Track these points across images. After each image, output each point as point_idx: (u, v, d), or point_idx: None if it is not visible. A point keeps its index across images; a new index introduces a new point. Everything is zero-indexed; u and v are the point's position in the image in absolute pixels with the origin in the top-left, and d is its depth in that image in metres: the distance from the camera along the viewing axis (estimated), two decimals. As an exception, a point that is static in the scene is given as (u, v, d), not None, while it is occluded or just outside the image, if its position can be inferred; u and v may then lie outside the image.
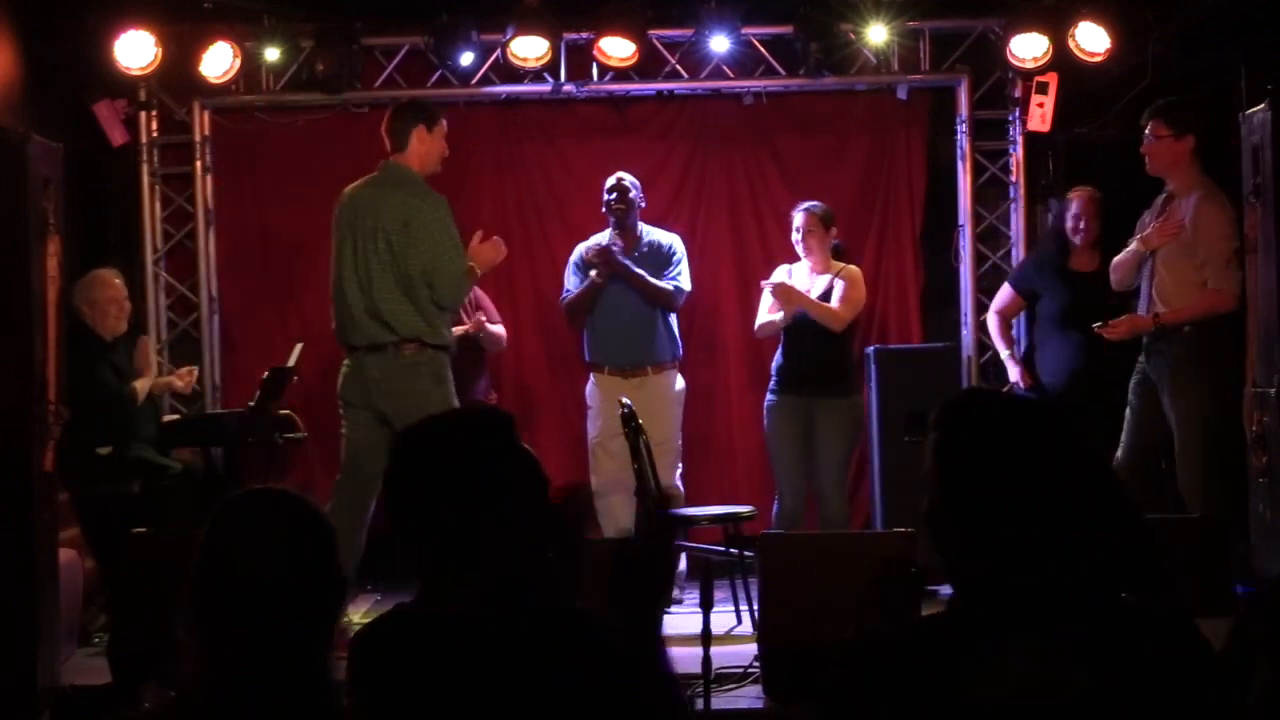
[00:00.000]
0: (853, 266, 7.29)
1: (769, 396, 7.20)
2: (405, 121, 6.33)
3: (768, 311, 7.24)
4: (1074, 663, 2.07)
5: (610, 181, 7.46)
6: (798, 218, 7.19)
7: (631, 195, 7.41)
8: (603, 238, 7.48)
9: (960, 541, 2.12)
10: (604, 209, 7.46)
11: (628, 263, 7.30)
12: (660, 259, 7.42)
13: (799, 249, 7.20)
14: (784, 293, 7.06)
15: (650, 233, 7.53)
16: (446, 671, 2.33)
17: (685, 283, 7.46)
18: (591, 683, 2.32)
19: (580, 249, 7.53)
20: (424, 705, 2.34)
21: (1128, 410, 6.54)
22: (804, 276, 7.20)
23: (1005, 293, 7.48)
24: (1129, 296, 6.78)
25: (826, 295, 7.13)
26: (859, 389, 7.39)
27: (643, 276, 7.30)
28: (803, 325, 7.10)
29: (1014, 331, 7.56)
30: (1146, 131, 6.48)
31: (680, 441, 7.45)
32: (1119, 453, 6.53)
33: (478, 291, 7.48)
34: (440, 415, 2.51)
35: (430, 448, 2.42)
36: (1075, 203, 7.21)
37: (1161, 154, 6.42)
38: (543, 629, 2.36)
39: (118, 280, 7.24)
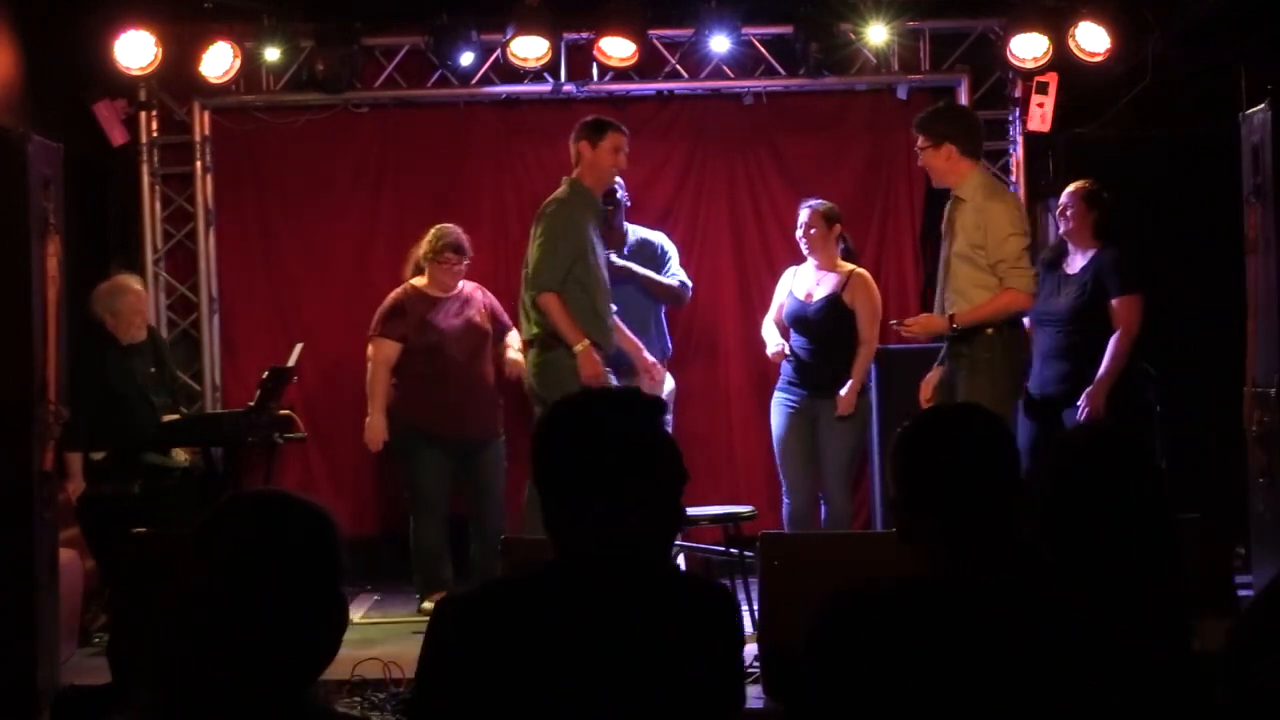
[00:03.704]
0: (862, 271, 7.27)
1: (776, 394, 7.19)
2: (574, 139, 6.78)
3: (772, 329, 7.23)
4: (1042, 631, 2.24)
5: None
6: (802, 214, 7.19)
7: (619, 196, 7.41)
8: None
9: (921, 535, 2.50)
10: None
11: (632, 266, 7.30)
12: (648, 256, 7.42)
13: (803, 246, 7.20)
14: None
15: (637, 231, 7.53)
16: (534, 630, 2.37)
17: (687, 278, 7.49)
18: (713, 652, 2.39)
19: None
20: (528, 658, 2.36)
21: None
22: (809, 276, 7.20)
23: None
24: (1094, 298, 6.78)
25: (834, 295, 7.13)
26: (864, 390, 7.38)
27: (650, 276, 7.31)
28: (809, 325, 7.10)
29: None
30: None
31: None
32: None
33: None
34: (596, 390, 2.65)
35: (580, 415, 2.51)
36: (1063, 195, 7.17)
37: (930, 165, 6.39)
38: (673, 592, 2.43)
39: (139, 287, 7.28)
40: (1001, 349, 6.20)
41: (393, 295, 7.28)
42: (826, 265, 7.19)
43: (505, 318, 7.43)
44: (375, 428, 7.22)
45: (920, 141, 6.36)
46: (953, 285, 6.29)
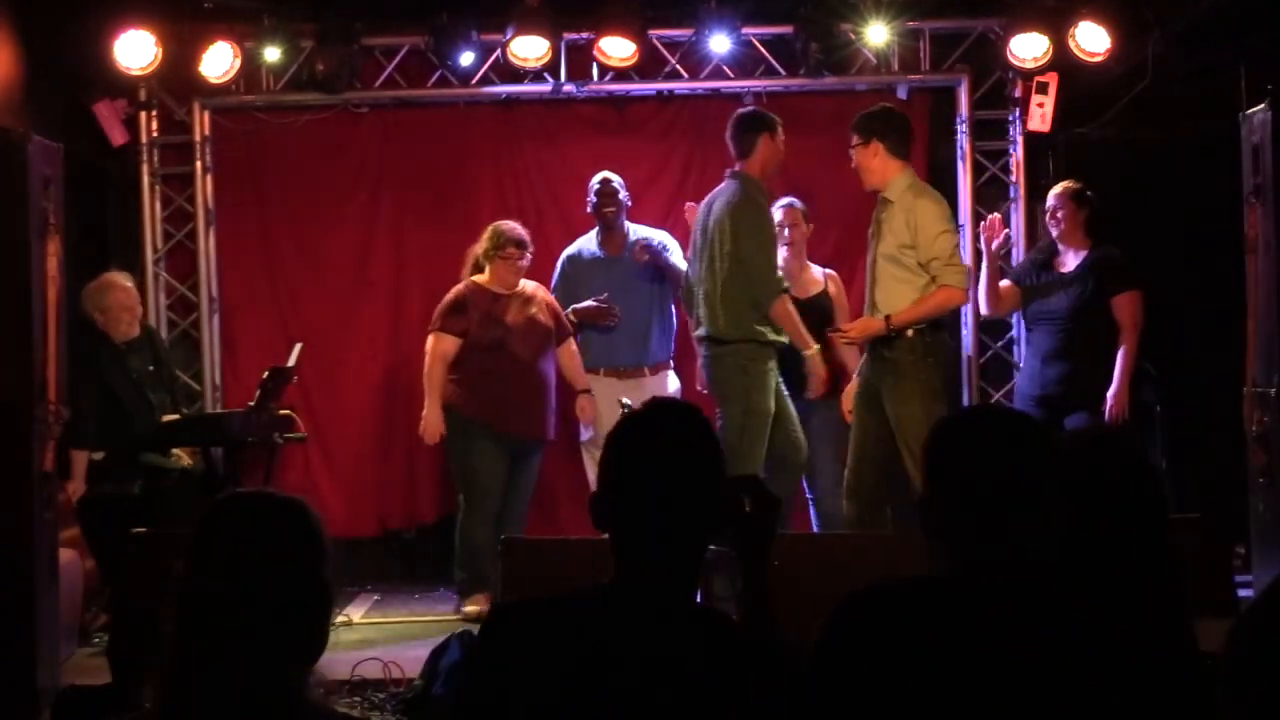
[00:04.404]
0: (833, 273, 7.34)
1: None
2: (746, 130, 6.68)
3: None
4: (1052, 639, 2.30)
5: (596, 184, 7.48)
6: (778, 214, 7.18)
7: (620, 196, 7.45)
8: (587, 242, 7.57)
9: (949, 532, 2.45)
10: (591, 210, 7.48)
11: (656, 257, 7.38)
12: (652, 262, 7.48)
13: (785, 247, 7.19)
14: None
15: (637, 230, 7.56)
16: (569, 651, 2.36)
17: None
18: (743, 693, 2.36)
19: (565, 256, 7.59)
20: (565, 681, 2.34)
21: (855, 423, 6.42)
22: (793, 274, 7.17)
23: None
24: (1096, 296, 6.88)
25: (824, 293, 7.20)
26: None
27: (670, 263, 7.40)
28: (810, 324, 7.09)
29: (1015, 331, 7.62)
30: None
31: None
32: (849, 464, 6.40)
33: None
34: (652, 401, 2.65)
35: (635, 428, 2.53)
36: (1050, 198, 7.22)
37: (859, 164, 6.38)
38: (707, 631, 2.42)
39: (129, 284, 7.28)
40: (923, 351, 6.22)
41: (454, 291, 7.20)
42: (802, 264, 7.21)
43: (566, 323, 7.37)
44: (433, 421, 7.12)
45: (852, 140, 6.39)
46: (880, 287, 6.29)
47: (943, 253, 6.18)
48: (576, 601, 2.42)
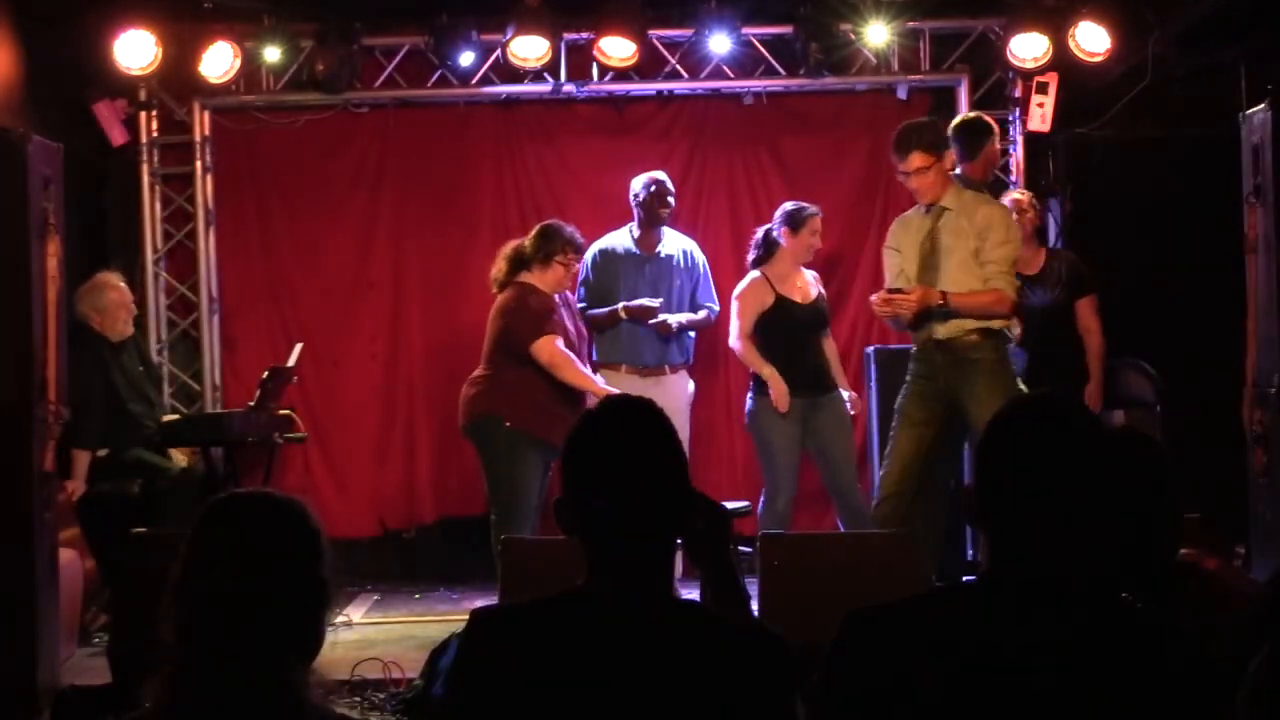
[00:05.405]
0: (816, 274, 7.31)
1: (761, 400, 7.10)
2: (981, 135, 6.77)
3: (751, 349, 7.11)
4: (1069, 650, 2.24)
5: (652, 185, 7.40)
6: (819, 221, 7.12)
7: (669, 198, 7.45)
8: (620, 237, 7.50)
9: (992, 526, 2.37)
10: (639, 206, 7.43)
11: (680, 323, 7.39)
12: (684, 267, 7.51)
13: (810, 253, 7.14)
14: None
15: (678, 239, 7.58)
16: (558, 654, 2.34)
17: (716, 301, 7.58)
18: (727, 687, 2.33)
19: (597, 249, 7.47)
20: (548, 682, 2.33)
21: (904, 426, 6.27)
22: (794, 279, 7.14)
23: None
24: (1068, 297, 7.12)
25: (819, 299, 7.18)
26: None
27: (689, 325, 7.48)
28: (816, 325, 7.08)
29: None
30: (904, 169, 6.22)
31: (688, 443, 7.44)
32: (893, 467, 6.26)
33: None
34: (606, 400, 2.64)
35: (593, 427, 2.51)
36: (1008, 202, 7.23)
37: (934, 180, 6.19)
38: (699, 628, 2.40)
39: (122, 284, 7.32)
40: (1003, 348, 6.27)
41: (530, 295, 6.70)
42: (799, 269, 7.16)
43: None
44: (601, 387, 6.70)
45: (919, 160, 6.15)
46: (950, 285, 6.22)
47: (1002, 261, 6.19)
48: (553, 605, 2.40)
